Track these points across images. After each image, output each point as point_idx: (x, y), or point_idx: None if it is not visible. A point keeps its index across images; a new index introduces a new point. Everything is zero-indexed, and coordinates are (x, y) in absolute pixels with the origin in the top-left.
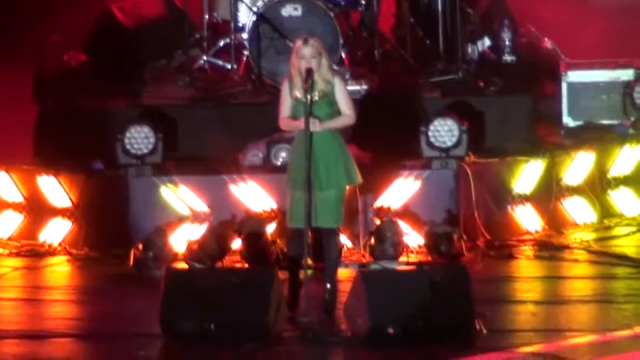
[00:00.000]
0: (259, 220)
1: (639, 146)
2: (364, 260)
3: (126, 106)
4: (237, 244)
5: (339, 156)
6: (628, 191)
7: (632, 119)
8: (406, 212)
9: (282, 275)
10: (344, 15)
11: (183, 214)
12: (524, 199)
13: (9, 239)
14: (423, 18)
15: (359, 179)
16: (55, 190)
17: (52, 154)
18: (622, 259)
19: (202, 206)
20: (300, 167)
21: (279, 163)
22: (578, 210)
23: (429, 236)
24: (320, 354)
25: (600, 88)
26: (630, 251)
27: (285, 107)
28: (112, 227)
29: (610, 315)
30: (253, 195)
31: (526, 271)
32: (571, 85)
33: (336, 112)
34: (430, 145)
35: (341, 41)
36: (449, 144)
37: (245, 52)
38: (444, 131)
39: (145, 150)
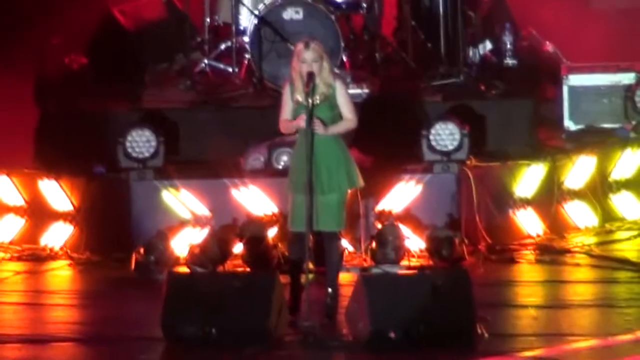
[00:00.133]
0: (261, 224)
1: None
2: (365, 265)
3: (127, 109)
4: (238, 248)
5: (340, 160)
6: (629, 195)
7: (634, 122)
8: (407, 216)
9: (284, 279)
10: (345, 18)
11: (184, 217)
12: (525, 202)
13: (10, 243)
14: (424, 21)
15: (360, 182)
16: (56, 194)
17: (53, 158)
18: (624, 263)
19: (203, 210)
20: (301, 170)
21: (280, 167)
22: (579, 214)
23: (430, 240)
24: (322, 358)
25: (602, 92)
26: (631, 255)
27: (287, 110)
28: (114, 231)
29: (612, 319)
30: (254, 199)
31: (528, 275)
32: (572, 89)
33: (337, 116)
34: (432, 148)
35: (342, 44)
36: (450, 147)
37: (247, 56)
38: (445, 135)
39: (147, 154)
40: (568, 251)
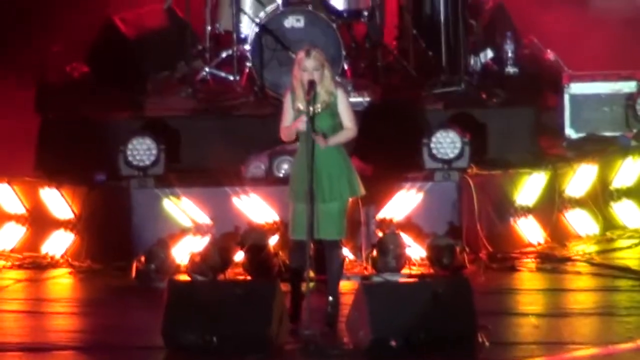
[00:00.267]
0: (261, 233)
1: None
2: (366, 273)
3: (128, 117)
4: (239, 256)
5: (342, 168)
6: (630, 203)
7: (635, 130)
8: (408, 224)
9: (285, 287)
10: (347, 26)
11: (185, 225)
12: (526, 211)
13: (12, 251)
14: (426, 29)
15: (361, 191)
16: (57, 202)
17: (54, 166)
18: (625, 272)
19: (204, 218)
20: (302, 179)
21: (281, 175)
22: (580, 223)
23: (431, 248)
24: None
25: (603, 100)
26: (632, 263)
27: (287, 118)
28: (115, 239)
29: (613, 328)
30: (255, 208)
31: (528, 283)
32: (574, 97)
33: (339, 124)
34: (433, 157)
35: (344, 53)
36: (452, 155)
37: (248, 64)
38: (446, 143)
39: (148, 162)
40: (569, 259)
